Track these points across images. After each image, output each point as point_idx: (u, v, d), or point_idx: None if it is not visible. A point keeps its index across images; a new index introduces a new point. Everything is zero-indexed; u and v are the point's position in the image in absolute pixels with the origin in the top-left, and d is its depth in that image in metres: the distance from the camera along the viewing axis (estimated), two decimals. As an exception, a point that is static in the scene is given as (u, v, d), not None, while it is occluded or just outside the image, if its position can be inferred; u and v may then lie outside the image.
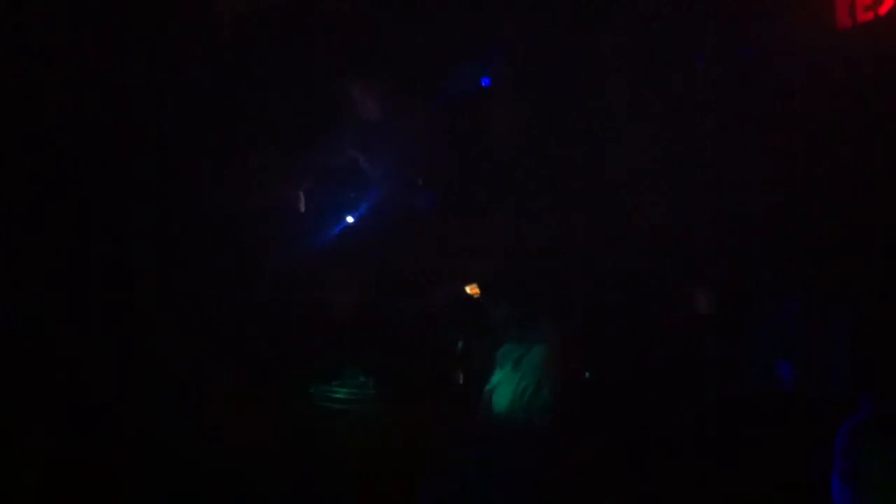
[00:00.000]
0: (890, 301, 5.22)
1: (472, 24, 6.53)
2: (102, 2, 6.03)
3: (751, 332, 5.89)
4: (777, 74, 5.87)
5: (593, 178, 6.34)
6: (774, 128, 5.87)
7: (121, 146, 6.01)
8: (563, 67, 6.43)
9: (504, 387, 5.56)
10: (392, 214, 6.55)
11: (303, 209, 6.62)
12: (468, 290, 6.39)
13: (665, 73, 6.19)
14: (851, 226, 5.59)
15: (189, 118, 6.18)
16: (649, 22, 6.21)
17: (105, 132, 5.97)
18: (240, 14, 6.49)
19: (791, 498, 5.26)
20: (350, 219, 6.62)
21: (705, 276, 6.05)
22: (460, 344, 6.22)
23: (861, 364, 5.27)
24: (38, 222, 5.81)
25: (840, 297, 5.58)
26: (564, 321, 5.77)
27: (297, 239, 6.50)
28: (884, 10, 5.46)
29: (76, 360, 5.71)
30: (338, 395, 6.08)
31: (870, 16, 5.52)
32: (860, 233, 5.53)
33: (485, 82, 6.67)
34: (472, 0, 6.55)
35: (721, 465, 5.54)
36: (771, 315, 5.85)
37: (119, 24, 6.06)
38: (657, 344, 5.90)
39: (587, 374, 5.82)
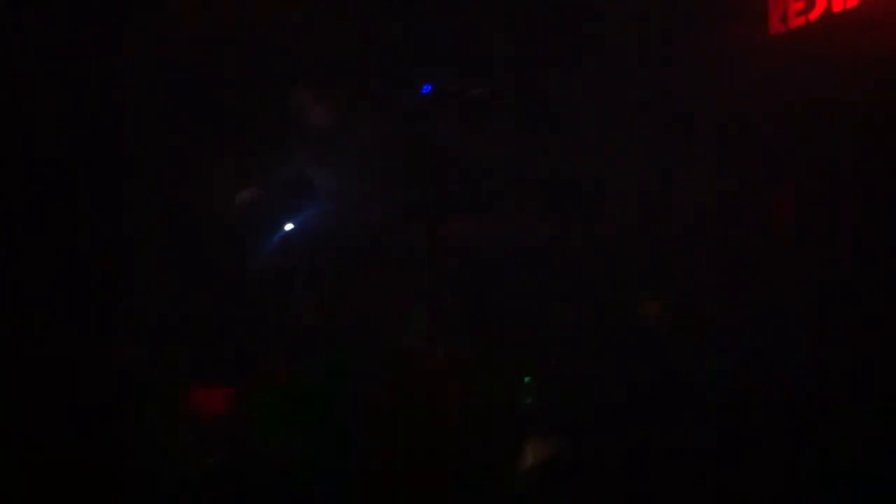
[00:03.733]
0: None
1: (431, 30, 6.59)
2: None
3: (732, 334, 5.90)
4: (711, 79, 5.92)
5: (557, 183, 6.36)
6: (713, 132, 5.91)
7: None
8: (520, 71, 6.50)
9: None
10: (346, 222, 6.54)
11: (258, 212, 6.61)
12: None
13: (616, 79, 6.25)
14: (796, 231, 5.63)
15: (151, 124, 6.21)
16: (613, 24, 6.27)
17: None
18: (196, 24, 6.51)
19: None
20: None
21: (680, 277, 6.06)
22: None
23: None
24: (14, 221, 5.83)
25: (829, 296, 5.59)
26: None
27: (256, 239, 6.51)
28: (814, 15, 5.55)
29: (67, 361, 5.71)
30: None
31: (801, 21, 5.61)
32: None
33: (425, 89, 6.69)
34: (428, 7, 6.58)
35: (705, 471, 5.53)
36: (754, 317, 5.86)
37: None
38: (635, 347, 5.90)
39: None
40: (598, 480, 5.48)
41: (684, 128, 6.00)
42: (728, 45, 5.90)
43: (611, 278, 6.09)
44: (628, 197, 6.25)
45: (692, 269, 5.99)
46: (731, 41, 5.90)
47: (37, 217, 5.88)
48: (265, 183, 6.60)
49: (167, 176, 6.26)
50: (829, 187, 5.54)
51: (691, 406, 5.60)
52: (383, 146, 6.56)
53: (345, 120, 6.61)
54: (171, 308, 6.05)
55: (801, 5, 5.62)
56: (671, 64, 6.07)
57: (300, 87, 6.57)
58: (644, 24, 6.17)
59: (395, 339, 6.17)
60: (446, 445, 5.74)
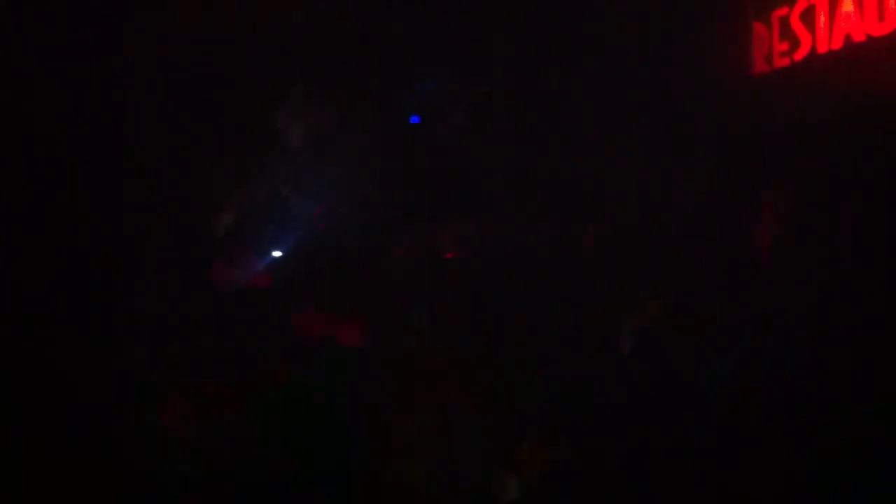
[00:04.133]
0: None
1: (431, 30, 6.64)
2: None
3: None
4: (693, 117, 5.95)
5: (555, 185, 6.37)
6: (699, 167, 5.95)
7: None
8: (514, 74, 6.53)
9: None
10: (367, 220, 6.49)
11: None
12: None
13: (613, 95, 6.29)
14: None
15: (167, 121, 6.23)
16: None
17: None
18: (196, 24, 6.55)
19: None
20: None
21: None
22: None
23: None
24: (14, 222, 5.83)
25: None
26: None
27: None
28: (799, 56, 5.61)
29: (67, 361, 5.72)
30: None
31: (786, 61, 5.67)
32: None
33: (414, 120, 6.69)
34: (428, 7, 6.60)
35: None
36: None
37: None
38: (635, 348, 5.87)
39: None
40: (598, 480, 5.42)
41: (671, 166, 6.04)
42: (712, 85, 5.95)
43: (611, 279, 6.08)
44: (624, 210, 6.30)
45: (691, 271, 5.99)
46: (715, 80, 5.95)
47: (37, 217, 5.89)
48: (263, 184, 6.56)
49: (167, 176, 6.26)
50: (814, 225, 5.57)
51: (691, 406, 5.59)
52: (383, 147, 6.55)
53: (344, 120, 6.59)
54: (172, 308, 6.03)
55: (785, 46, 5.68)
56: (658, 101, 6.11)
57: (300, 87, 6.53)
58: (633, 57, 6.21)
59: (396, 340, 6.10)
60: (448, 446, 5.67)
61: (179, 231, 6.22)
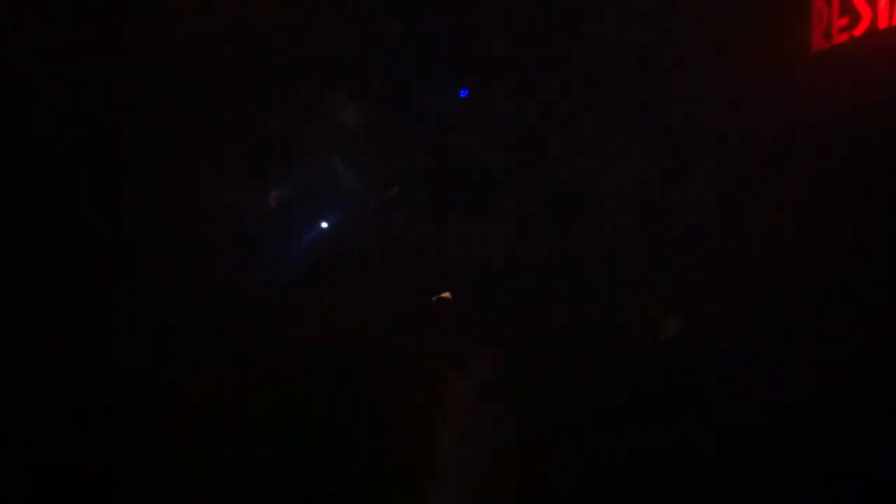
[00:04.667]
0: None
1: (453, 32, 6.61)
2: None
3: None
4: (756, 96, 5.87)
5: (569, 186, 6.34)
6: (755, 150, 5.85)
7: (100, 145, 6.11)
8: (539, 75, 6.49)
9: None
10: (368, 221, 6.54)
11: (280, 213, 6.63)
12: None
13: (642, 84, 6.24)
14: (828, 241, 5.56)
15: (168, 121, 6.26)
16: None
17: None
18: (197, 24, 6.55)
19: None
20: (324, 224, 6.62)
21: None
22: None
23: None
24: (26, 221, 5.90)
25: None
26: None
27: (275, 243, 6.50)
28: (859, 31, 5.49)
29: (66, 361, 5.76)
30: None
31: (845, 37, 5.55)
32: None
33: (463, 93, 6.71)
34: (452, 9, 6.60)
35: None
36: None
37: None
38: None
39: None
40: (599, 481, 5.41)
41: (724, 146, 5.97)
42: (771, 60, 5.86)
43: (613, 280, 6.08)
44: (640, 202, 6.27)
45: (694, 273, 5.95)
46: (774, 56, 5.86)
47: (38, 217, 5.94)
48: (268, 184, 6.65)
49: (167, 176, 6.30)
50: (869, 205, 5.46)
51: (692, 407, 5.55)
52: (389, 147, 6.60)
53: (351, 120, 6.65)
54: (172, 308, 6.08)
55: (845, 21, 5.56)
56: (712, 80, 6.04)
57: (303, 87, 6.60)
58: (683, 37, 6.15)
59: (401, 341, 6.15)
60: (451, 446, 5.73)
61: (180, 231, 6.25)
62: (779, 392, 5.46)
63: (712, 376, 5.70)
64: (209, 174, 6.43)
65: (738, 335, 5.76)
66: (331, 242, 6.58)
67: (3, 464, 5.47)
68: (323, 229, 6.62)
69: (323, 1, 6.66)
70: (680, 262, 6.07)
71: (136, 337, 5.93)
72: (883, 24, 5.39)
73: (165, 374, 5.88)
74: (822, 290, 5.52)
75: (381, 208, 6.60)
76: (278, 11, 6.56)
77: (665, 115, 6.20)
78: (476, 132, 6.55)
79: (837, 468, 5.07)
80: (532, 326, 5.83)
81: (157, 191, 6.22)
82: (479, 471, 5.57)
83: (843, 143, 5.56)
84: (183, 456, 5.71)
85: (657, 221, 6.22)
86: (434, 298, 6.31)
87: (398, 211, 6.60)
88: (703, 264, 6.02)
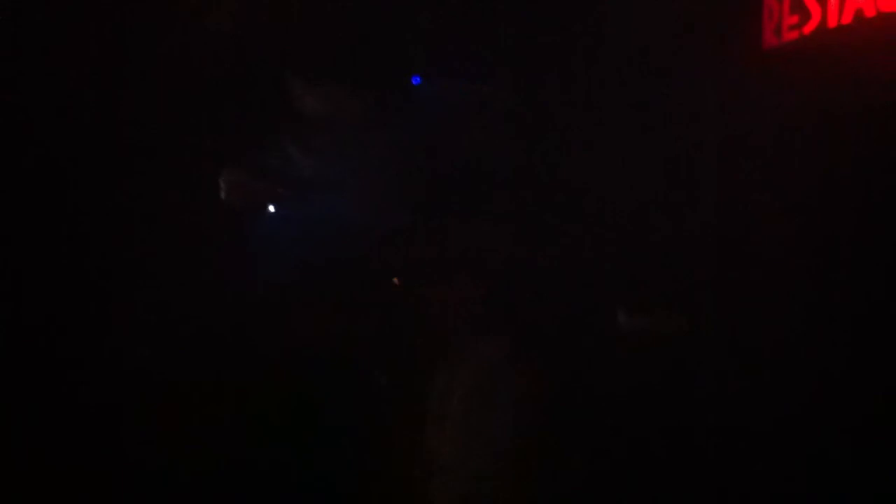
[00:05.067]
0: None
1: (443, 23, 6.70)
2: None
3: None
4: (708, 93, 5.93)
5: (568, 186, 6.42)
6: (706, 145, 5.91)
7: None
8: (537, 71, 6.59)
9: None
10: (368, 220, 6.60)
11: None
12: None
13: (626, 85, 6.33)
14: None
15: (180, 113, 6.32)
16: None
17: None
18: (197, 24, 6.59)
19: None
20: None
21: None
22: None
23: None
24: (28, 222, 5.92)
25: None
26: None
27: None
28: (808, 29, 5.56)
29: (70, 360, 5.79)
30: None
31: (794, 35, 5.62)
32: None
33: (415, 80, 6.75)
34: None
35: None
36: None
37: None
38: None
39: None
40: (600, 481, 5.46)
41: (677, 141, 6.02)
42: (721, 57, 5.92)
43: (613, 280, 6.13)
44: (626, 203, 6.32)
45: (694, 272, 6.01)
46: (724, 53, 5.92)
47: (38, 218, 5.97)
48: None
49: (167, 175, 6.29)
50: (821, 201, 5.52)
51: (691, 407, 5.59)
52: (387, 145, 6.62)
53: (353, 118, 6.68)
54: (171, 308, 6.08)
55: (795, 19, 5.63)
56: (662, 76, 6.10)
57: (301, 84, 6.63)
58: (637, 35, 6.21)
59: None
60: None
61: (180, 231, 6.23)
62: (779, 392, 5.54)
63: (712, 376, 5.80)
64: (207, 173, 6.46)
65: (739, 335, 5.87)
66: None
67: (3, 464, 5.48)
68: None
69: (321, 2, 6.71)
70: (680, 262, 6.13)
71: (135, 337, 5.95)
72: (832, 22, 5.46)
73: (165, 374, 5.88)
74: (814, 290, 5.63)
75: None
76: (274, 12, 6.61)
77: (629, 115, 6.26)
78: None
79: (837, 468, 5.14)
80: (532, 326, 5.85)
81: (156, 190, 6.21)
82: (481, 468, 5.58)
83: (794, 141, 5.62)
84: (182, 456, 5.72)
85: (656, 221, 6.29)
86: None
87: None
88: (704, 264, 6.11)
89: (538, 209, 6.46)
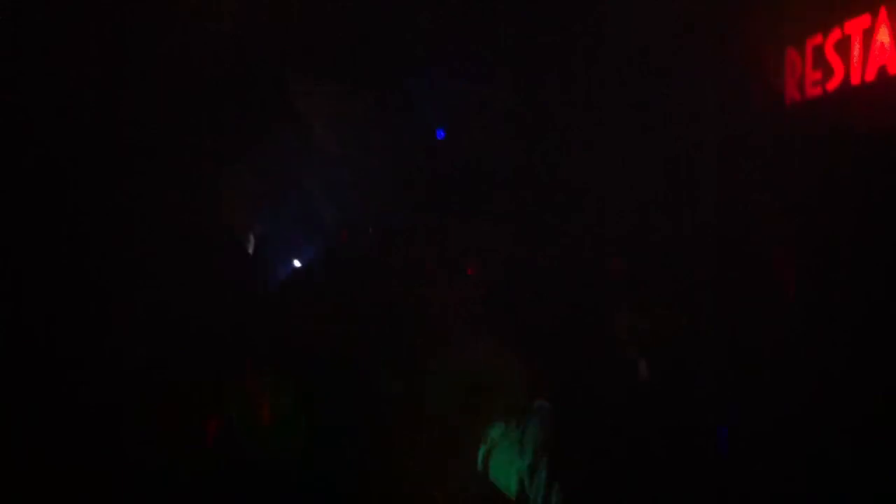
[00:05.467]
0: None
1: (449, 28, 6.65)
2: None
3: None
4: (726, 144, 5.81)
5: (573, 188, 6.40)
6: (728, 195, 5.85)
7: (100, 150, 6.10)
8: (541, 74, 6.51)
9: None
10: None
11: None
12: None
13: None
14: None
15: (181, 113, 6.32)
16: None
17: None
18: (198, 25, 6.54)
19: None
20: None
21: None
22: None
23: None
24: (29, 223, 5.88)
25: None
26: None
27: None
28: (832, 86, 5.41)
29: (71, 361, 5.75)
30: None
31: (818, 91, 5.47)
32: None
33: (440, 135, 6.70)
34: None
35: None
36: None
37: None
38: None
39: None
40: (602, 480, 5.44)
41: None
42: (745, 112, 5.80)
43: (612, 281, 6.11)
44: (626, 203, 6.39)
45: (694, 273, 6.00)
46: (748, 107, 5.79)
47: (40, 217, 5.91)
48: (270, 185, 6.62)
49: (168, 178, 6.31)
50: (843, 259, 5.46)
51: (691, 407, 5.56)
52: (387, 146, 6.58)
53: (353, 118, 6.63)
54: (172, 308, 6.06)
55: (818, 75, 5.49)
56: (686, 126, 6.00)
57: (300, 84, 6.56)
58: (659, 81, 6.09)
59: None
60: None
61: (180, 231, 6.24)
62: (779, 392, 5.53)
63: (712, 376, 5.77)
64: (207, 173, 6.47)
65: (738, 335, 5.86)
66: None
67: (4, 463, 5.44)
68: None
69: (322, 4, 6.65)
70: (680, 262, 6.10)
71: (135, 337, 5.92)
72: (856, 80, 5.37)
73: (165, 374, 5.85)
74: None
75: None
76: (274, 12, 6.55)
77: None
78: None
79: (837, 468, 5.10)
80: (532, 326, 5.81)
81: (156, 190, 6.22)
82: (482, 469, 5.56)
83: (817, 193, 5.50)
84: (182, 456, 5.66)
85: (656, 221, 6.27)
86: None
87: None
88: (704, 264, 6.08)
89: (538, 209, 6.42)
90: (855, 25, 5.29)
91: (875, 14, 5.19)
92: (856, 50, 5.28)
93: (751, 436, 5.54)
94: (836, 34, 5.40)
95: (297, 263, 6.62)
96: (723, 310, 6.00)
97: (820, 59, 5.48)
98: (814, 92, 5.52)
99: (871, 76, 5.25)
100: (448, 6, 6.66)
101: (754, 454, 5.47)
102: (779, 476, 5.33)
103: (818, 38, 5.48)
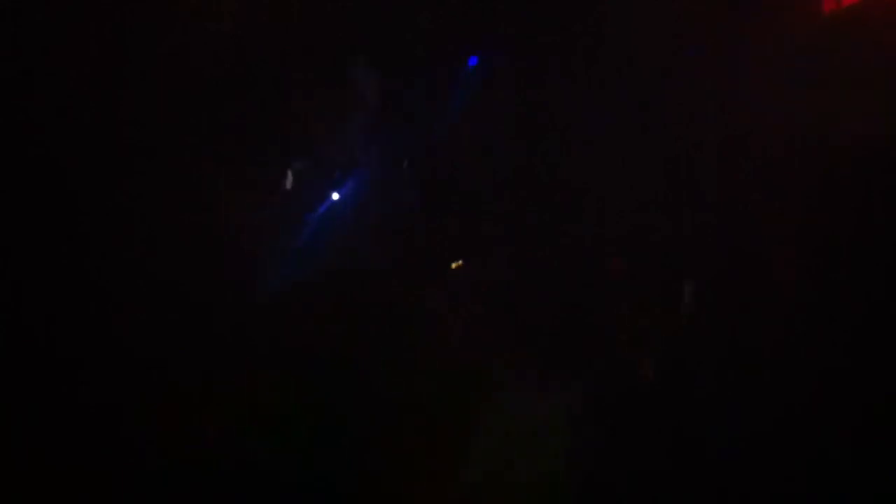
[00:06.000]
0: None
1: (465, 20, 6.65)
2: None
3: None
4: (768, 62, 5.82)
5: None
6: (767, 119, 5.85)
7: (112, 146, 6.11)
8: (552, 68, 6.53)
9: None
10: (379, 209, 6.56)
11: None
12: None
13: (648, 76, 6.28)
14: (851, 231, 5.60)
15: (181, 113, 6.28)
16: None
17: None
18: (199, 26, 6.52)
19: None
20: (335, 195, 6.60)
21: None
22: None
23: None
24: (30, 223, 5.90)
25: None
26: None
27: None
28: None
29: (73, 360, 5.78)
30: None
31: None
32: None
33: (472, 61, 6.69)
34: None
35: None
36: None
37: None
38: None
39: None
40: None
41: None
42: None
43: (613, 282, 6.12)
44: (626, 203, 6.34)
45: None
46: (785, 21, 5.79)
47: (41, 220, 5.96)
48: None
49: (170, 178, 6.28)
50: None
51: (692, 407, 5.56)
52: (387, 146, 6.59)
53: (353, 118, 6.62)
54: (173, 308, 6.07)
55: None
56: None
57: (303, 88, 6.56)
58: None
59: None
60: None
61: (180, 231, 6.21)
62: (779, 392, 5.53)
63: (712, 376, 5.76)
64: (209, 176, 6.40)
65: (738, 335, 5.83)
66: (330, 241, 6.55)
67: (4, 463, 5.49)
68: (324, 231, 6.59)
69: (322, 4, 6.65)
70: (680, 262, 6.12)
71: (135, 337, 5.93)
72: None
73: (165, 374, 5.89)
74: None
75: (382, 208, 6.58)
76: (274, 12, 6.56)
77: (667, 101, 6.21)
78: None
79: (837, 468, 5.15)
80: (531, 326, 5.81)
81: (158, 193, 6.20)
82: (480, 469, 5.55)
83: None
84: (184, 456, 5.72)
85: (656, 221, 6.25)
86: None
87: (398, 210, 6.57)
88: (704, 264, 6.06)
89: (538, 209, 6.40)
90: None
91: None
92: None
93: (751, 436, 5.53)
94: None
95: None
96: (723, 310, 5.97)
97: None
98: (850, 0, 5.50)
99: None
100: (448, 6, 6.66)
101: (754, 454, 5.46)
102: (779, 476, 5.33)
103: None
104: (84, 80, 6.11)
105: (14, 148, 5.92)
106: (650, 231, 6.21)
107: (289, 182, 6.62)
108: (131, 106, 6.20)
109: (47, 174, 5.96)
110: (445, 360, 6.03)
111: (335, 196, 6.65)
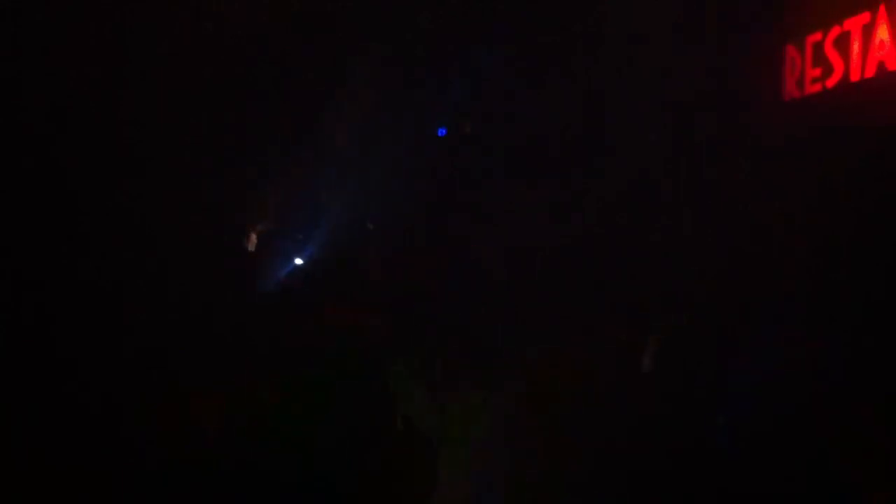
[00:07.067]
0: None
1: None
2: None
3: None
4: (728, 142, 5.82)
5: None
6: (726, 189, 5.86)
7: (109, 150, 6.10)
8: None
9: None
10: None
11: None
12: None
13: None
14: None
15: (181, 113, 6.32)
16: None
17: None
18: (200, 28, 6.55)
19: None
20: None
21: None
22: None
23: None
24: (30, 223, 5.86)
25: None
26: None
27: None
28: (831, 82, 5.41)
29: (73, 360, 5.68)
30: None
31: (818, 87, 5.48)
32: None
33: (441, 132, 6.71)
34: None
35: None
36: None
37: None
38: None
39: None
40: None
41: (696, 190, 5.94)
42: (743, 109, 5.80)
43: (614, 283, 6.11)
44: (626, 203, 6.37)
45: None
46: (746, 104, 5.80)
47: (42, 220, 5.92)
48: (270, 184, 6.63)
49: (171, 178, 6.31)
50: (840, 255, 5.42)
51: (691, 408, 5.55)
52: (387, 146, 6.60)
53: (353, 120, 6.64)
54: (173, 308, 6.03)
55: (817, 72, 5.49)
56: (686, 125, 6.01)
57: (303, 88, 6.58)
58: (659, 80, 6.11)
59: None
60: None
61: (181, 231, 6.23)
62: (779, 392, 5.44)
63: (712, 376, 5.69)
64: (209, 176, 6.46)
65: (739, 335, 5.77)
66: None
67: (5, 463, 5.36)
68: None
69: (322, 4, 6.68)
70: (680, 262, 6.11)
71: (136, 336, 5.87)
72: (855, 77, 5.37)
73: (165, 374, 5.77)
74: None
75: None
76: (274, 12, 6.58)
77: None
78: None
79: (837, 468, 5.06)
80: (532, 326, 5.81)
81: (158, 193, 6.21)
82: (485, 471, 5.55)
83: (814, 190, 5.50)
84: (182, 456, 5.57)
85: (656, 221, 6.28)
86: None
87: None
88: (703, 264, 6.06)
89: (538, 209, 6.38)
90: (855, 22, 5.30)
91: (875, 11, 5.19)
92: (855, 47, 5.29)
93: (751, 435, 5.52)
94: (835, 31, 5.40)
95: (298, 262, 6.60)
96: (723, 306, 5.97)
97: (819, 56, 5.49)
98: (813, 89, 5.54)
99: (870, 72, 5.26)
100: (448, 6, 6.67)
101: (754, 454, 5.45)
102: (779, 476, 5.33)
103: (818, 36, 5.50)
104: (84, 80, 6.10)
105: (14, 148, 5.88)
106: (650, 231, 6.20)
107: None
108: (131, 106, 6.21)
109: (47, 174, 5.94)
110: (445, 359, 6.02)
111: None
